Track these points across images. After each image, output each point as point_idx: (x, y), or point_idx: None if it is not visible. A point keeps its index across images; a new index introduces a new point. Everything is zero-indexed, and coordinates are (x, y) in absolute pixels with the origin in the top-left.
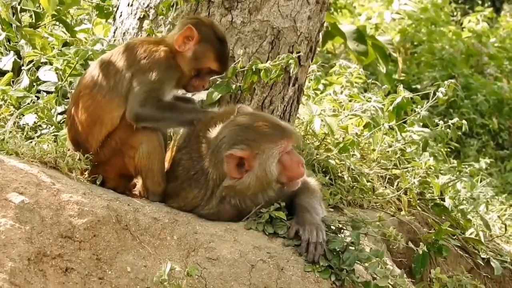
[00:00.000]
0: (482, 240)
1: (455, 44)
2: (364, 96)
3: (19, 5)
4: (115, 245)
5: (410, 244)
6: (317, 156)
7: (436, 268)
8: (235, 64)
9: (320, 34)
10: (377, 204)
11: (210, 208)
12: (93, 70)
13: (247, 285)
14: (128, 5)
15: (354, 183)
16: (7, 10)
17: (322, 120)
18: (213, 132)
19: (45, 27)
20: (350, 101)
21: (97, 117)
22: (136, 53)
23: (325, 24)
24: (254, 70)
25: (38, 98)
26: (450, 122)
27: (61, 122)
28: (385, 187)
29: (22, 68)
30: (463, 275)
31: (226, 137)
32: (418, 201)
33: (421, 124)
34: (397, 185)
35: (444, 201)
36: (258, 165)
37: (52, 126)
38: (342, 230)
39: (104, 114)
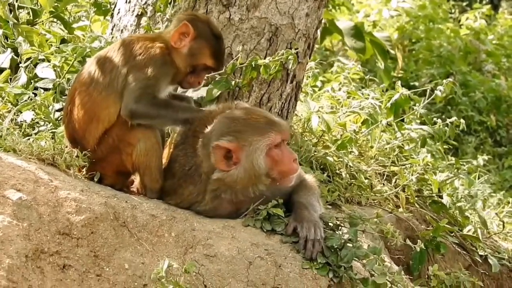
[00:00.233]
0: (480, 237)
1: (453, 41)
2: (362, 93)
3: (16, 2)
4: (113, 242)
5: (408, 241)
6: (315, 153)
7: (434, 265)
8: (234, 60)
9: (318, 31)
10: (375, 201)
11: (205, 204)
12: (89, 67)
13: (245, 282)
14: (126, 2)
15: (352, 180)
16: (4, 7)
17: (319, 117)
18: (209, 128)
19: (42, 24)
20: (348, 98)
21: (94, 114)
22: (132, 50)
23: (323, 21)
24: (253, 66)
25: (35, 95)
26: (448, 120)
27: (58, 119)
28: (383, 184)
29: (20, 65)
30: (461, 272)
31: (215, 129)
32: (416, 198)
33: (419, 121)
34: (395, 182)
35: (442, 198)
36: (245, 157)
37: (50, 123)
38: (340, 227)
39: (100, 111)
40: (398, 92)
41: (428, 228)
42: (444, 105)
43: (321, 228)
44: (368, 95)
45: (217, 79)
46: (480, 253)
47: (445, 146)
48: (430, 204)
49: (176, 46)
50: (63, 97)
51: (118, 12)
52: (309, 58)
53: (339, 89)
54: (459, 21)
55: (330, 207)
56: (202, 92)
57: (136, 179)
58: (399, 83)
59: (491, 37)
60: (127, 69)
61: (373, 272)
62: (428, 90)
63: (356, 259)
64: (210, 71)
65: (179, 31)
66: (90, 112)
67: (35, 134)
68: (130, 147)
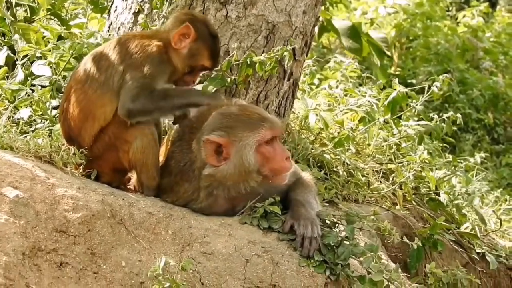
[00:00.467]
0: (478, 235)
1: (450, 39)
2: (359, 91)
3: None
4: (109, 240)
5: (405, 239)
6: (312, 150)
7: (431, 263)
8: (229, 57)
9: (315, 28)
10: (372, 199)
11: (201, 202)
12: (85, 65)
13: (242, 279)
14: None
15: (349, 178)
16: (1, 5)
17: (317, 115)
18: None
19: (40, 21)
20: (345, 95)
21: (89, 112)
22: (128, 48)
23: (320, 19)
24: (248, 63)
25: (32, 91)
26: (445, 116)
27: (55, 116)
28: (380, 181)
29: (17, 62)
30: (458, 269)
31: (208, 124)
32: (413, 196)
33: (416, 118)
34: (392, 179)
35: (439, 195)
36: (235, 152)
37: (47, 120)
38: (337, 225)
39: (96, 109)
40: (395, 89)
41: (425, 226)
42: (441, 102)
43: (318, 226)
44: (365, 92)
45: (212, 76)
46: (477, 251)
47: (442, 144)
48: (427, 201)
49: (177, 47)
50: (60, 94)
51: (115, 10)
52: (306, 56)
53: (336, 87)
54: (457, 18)
55: (327, 204)
56: (197, 88)
57: (133, 176)
58: (396, 80)
59: (489, 35)
60: (123, 68)
61: (370, 270)
62: (425, 88)
63: (353, 256)
64: (206, 71)
65: (180, 32)
66: (86, 110)
67: (32, 131)
68: (126, 145)
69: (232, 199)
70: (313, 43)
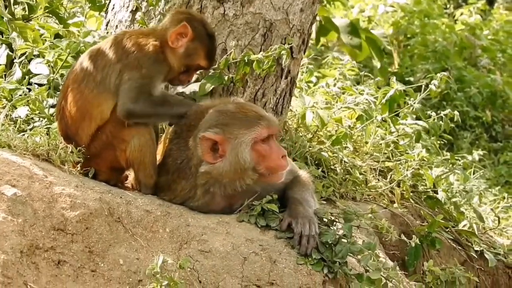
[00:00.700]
0: (476, 233)
1: (448, 37)
2: (357, 89)
3: None
4: (107, 238)
5: (403, 237)
6: (310, 148)
7: (429, 261)
8: (227, 55)
9: (313, 26)
10: (370, 197)
11: (198, 199)
12: (81, 63)
13: (240, 277)
14: None
15: (347, 176)
16: None
17: (314, 113)
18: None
19: (37, 19)
20: (343, 93)
21: (86, 111)
22: (125, 47)
23: (318, 18)
24: (246, 61)
25: (30, 90)
26: (442, 113)
27: (53, 114)
28: (378, 179)
29: (14, 61)
30: (456, 267)
31: (205, 121)
32: (411, 194)
33: (414, 116)
34: (390, 177)
35: (437, 193)
36: (231, 150)
37: (44, 118)
38: (334, 223)
39: (92, 108)
40: (393, 87)
41: (423, 224)
42: (439, 100)
43: (315, 224)
44: (363, 90)
45: (210, 74)
46: (475, 249)
47: (440, 141)
48: (425, 199)
49: (174, 46)
50: (57, 92)
51: (113, 8)
52: (304, 54)
53: (334, 85)
54: (454, 16)
55: (324, 202)
56: (195, 87)
57: (131, 174)
58: (394, 78)
59: (487, 32)
60: (120, 67)
61: (367, 268)
62: (423, 86)
63: (351, 254)
64: (202, 70)
65: (177, 31)
66: (82, 110)
67: (30, 129)
68: (124, 144)
69: (229, 197)
70: (311, 41)
